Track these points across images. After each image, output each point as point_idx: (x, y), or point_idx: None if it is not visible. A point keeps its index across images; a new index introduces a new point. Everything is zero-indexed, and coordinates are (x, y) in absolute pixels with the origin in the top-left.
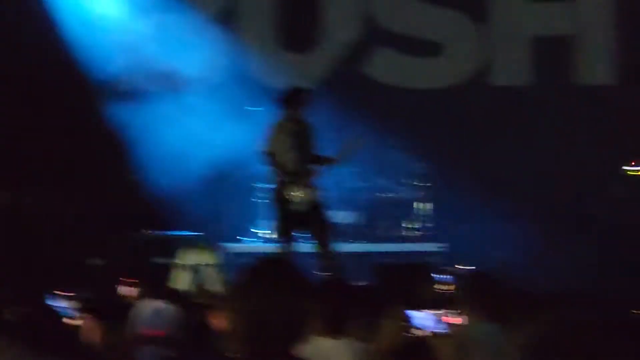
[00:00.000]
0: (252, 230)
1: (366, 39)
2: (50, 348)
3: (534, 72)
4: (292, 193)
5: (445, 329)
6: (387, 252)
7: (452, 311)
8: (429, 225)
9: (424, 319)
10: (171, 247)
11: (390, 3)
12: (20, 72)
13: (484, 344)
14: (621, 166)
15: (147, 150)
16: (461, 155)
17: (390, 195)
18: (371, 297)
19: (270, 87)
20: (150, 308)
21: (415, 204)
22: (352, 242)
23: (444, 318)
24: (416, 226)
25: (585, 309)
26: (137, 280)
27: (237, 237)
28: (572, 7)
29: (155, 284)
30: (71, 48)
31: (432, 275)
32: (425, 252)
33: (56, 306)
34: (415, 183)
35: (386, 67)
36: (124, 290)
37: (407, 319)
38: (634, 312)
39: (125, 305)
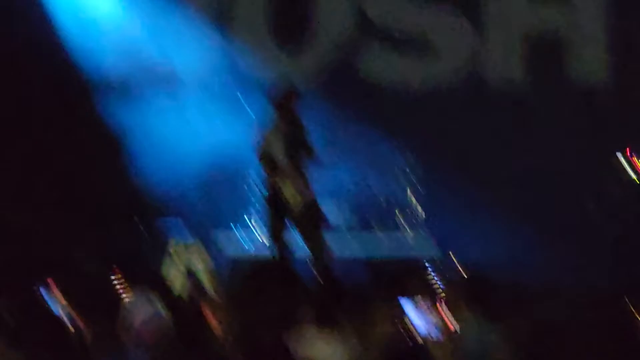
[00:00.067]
0: (247, 222)
1: (359, 36)
2: (36, 342)
3: (528, 70)
4: (284, 193)
5: (438, 326)
6: (379, 247)
7: (443, 307)
8: (422, 221)
9: (416, 316)
10: (166, 241)
11: (383, 0)
12: (15, 69)
13: (477, 342)
14: (614, 163)
15: (142, 146)
16: (454, 153)
17: (383, 191)
18: (364, 293)
19: (264, 84)
20: (141, 304)
21: (408, 201)
22: (344, 237)
23: (436, 313)
24: (410, 223)
25: (574, 306)
26: (129, 275)
27: (232, 229)
28: (567, 5)
29: (148, 278)
30: (66, 46)
31: (425, 271)
32: (418, 247)
33: (44, 300)
34: (408, 180)
35: (379, 65)
36: (114, 284)
37: (399, 315)
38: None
39: (115, 300)
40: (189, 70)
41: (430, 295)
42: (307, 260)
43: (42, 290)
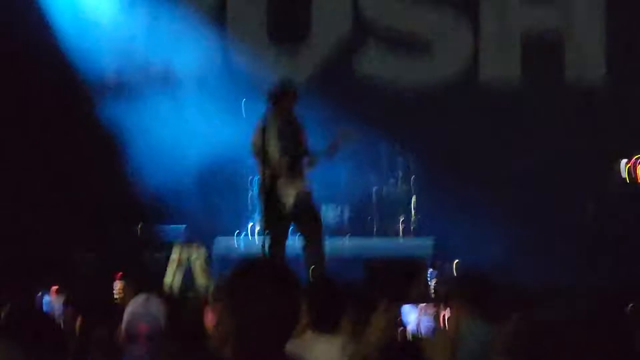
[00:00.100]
0: (246, 225)
1: (356, 34)
2: (36, 343)
3: (524, 69)
4: (281, 191)
5: (435, 327)
6: (377, 248)
7: (442, 308)
8: (419, 221)
9: (415, 317)
10: (164, 242)
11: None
12: (14, 70)
13: (474, 342)
14: (611, 164)
15: (140, 146)
16: (452, 153)
17: (380, 190)
18: (361, 293)
19: (260, 82)
20: (140, 304)
21: (405, 200)
22: (342, 238)
23: (434, 315)
24: (407, 222)
25: (571, 306)
26: (128, 276)
27: (231, 232)
28: (563, 4)
29: (147, 279)
30: (64, 47)
31: (422, 271)
32: (416, 248)
33: (43, 301)
34: (405, 178)
35: (376, 64)
36: (114, 285)
37: (397, 315)
38: (624, 308)
39: (115, 300)
40: (187, 70)
41: (429, 295)
42: (303, 259)
43: (42, 291)
